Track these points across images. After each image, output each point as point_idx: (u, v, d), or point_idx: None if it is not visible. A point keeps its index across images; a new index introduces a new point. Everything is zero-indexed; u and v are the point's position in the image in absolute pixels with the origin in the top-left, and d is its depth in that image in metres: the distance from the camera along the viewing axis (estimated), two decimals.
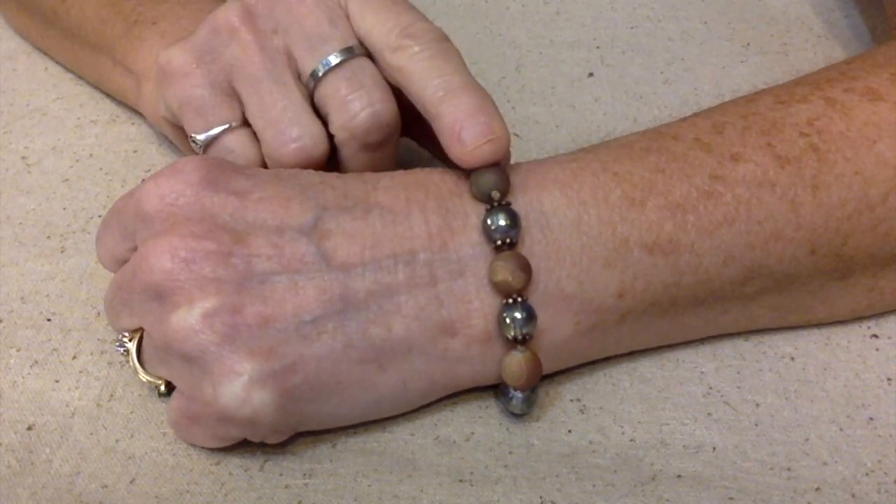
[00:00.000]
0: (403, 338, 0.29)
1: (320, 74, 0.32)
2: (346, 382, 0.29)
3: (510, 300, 0.29)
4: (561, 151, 0.33)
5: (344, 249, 0.29)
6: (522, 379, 0.30)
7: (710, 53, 0.44)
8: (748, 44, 0.45)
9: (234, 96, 0.33)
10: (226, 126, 0.33)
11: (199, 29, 0.33)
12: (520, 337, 0.29)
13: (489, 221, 0.29)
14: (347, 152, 0.33)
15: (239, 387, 0.28)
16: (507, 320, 0.29)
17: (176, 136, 0.37)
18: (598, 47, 0.45)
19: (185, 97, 0.33)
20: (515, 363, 0.29)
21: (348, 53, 0.32)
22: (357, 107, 0.31)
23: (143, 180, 0.31)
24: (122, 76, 0.41)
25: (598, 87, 0.43)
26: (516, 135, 0.41)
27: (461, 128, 0.29)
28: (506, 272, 0.29)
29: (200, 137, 0.33)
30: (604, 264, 0.30)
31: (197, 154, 0.33)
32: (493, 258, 0.29)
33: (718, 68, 0.44)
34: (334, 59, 0.32)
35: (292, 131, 0.32)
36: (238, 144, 0.33)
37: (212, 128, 0.33)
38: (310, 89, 0.32)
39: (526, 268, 0.29)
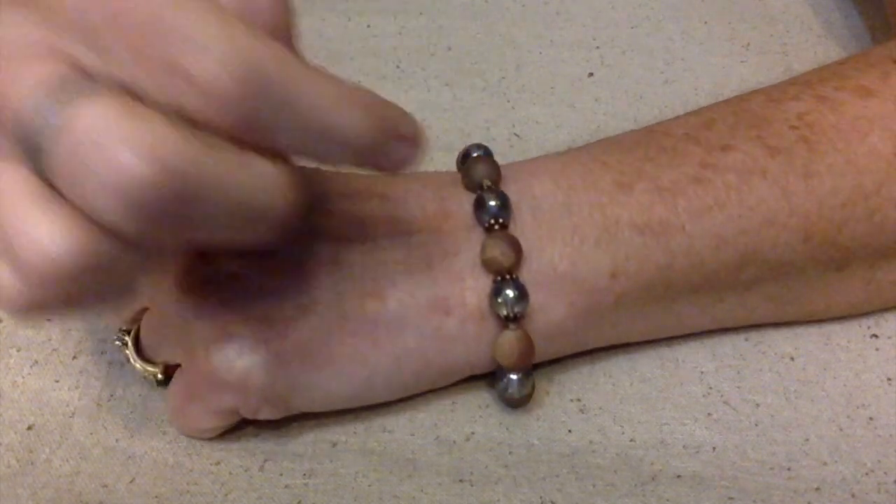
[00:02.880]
0: (397, 313, 0.29)
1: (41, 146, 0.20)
2: (339, 355, 0.29)
3: (502, 278, 0.29)
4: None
5: (342, 228, 0.29)
6: (514, 357, 0.30)
7: (710, 53, 0.44)
8: (748, 44, 0.45)
9: None
10: None
11: None
12: (512, 315, 0.29)
13: (480, 204, 0.30)
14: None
15: (230, 349, 0.28)
16: (499, 298, 0.29)
17: None
18: (598, 47, 0.45)
19: None
20: (507, 341, 0.30)
21: (67, 95, 0.20)
22: (107, 172, 0.19)
23: None
24: None
25: (598, 87, 0.43)
26: (516, 135, 0.41)
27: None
28: (495, 250, 0.29)
29: None
30: (595, 244, 0.30)
31: None
32: (485, 238, 0.30)
33: (718, 68, 0.44)
34: (52, 117, 0.20)
35: (29, 241, 0.20)
36: None
37: None
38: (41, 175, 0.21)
39: (515, 246, 0.29)
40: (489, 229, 0.30)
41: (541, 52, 0.44)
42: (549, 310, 0.30)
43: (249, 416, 0.30)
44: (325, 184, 0.30)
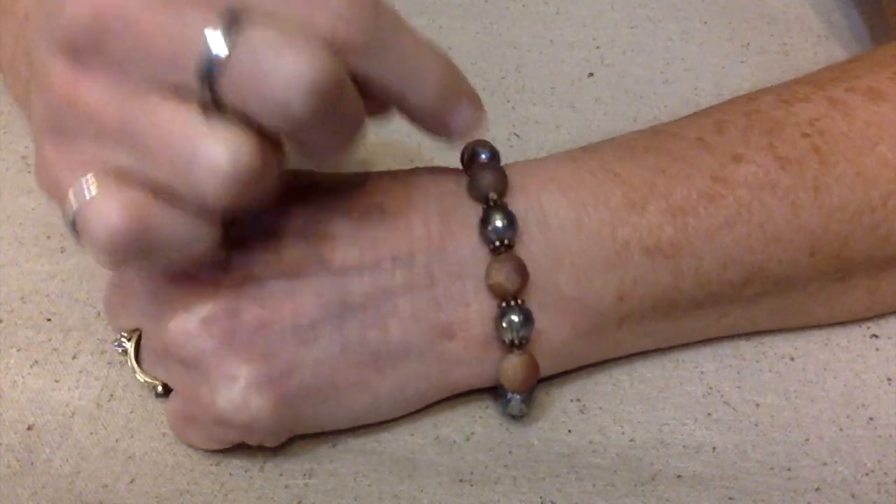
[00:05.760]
0: (401, 340, 0.29)
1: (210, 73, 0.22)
2: (343, 386, 0.29)
3: (507, 303, 0.29)
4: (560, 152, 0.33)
5: (342, 252, 0.29)
6: (518, 382, 0.30)
7: (710, 53, 0.44)
8: (748, 44, 0.45)
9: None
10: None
11: (35, 103, 0.25)
12: (517, 341, 0.29)
13: (486, 223, 0.29)
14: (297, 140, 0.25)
15: (236, 392, 0.28)
16: (504, 324, 0.29)
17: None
18: (598, 47, 0.44)
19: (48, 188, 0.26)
20: (512, 367, 0.29)
21: (232, 25, 0.22)
22: (286, 71, 0.22)
23: None
24: None
25: (598, 87, 0.43)
26: (516, 135, 0.41)
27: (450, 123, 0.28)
28: (500, 275, 0.28)
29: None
30: (603, 267, 0.30)
31: None
32: (490, 260, 0.29)
33: (718, 68, 0.44)
34: (220, 49, 0.22)
35: (196, 159, 0.23)
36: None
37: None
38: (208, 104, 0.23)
39: (522, 270, 0.29)
40: (495, 250, 0.29)
41: (541, 52, 0.44)
42: (553, 331, 0.30)
43: (253, 444, 0.30)
44: (324, 201, 0.29)
